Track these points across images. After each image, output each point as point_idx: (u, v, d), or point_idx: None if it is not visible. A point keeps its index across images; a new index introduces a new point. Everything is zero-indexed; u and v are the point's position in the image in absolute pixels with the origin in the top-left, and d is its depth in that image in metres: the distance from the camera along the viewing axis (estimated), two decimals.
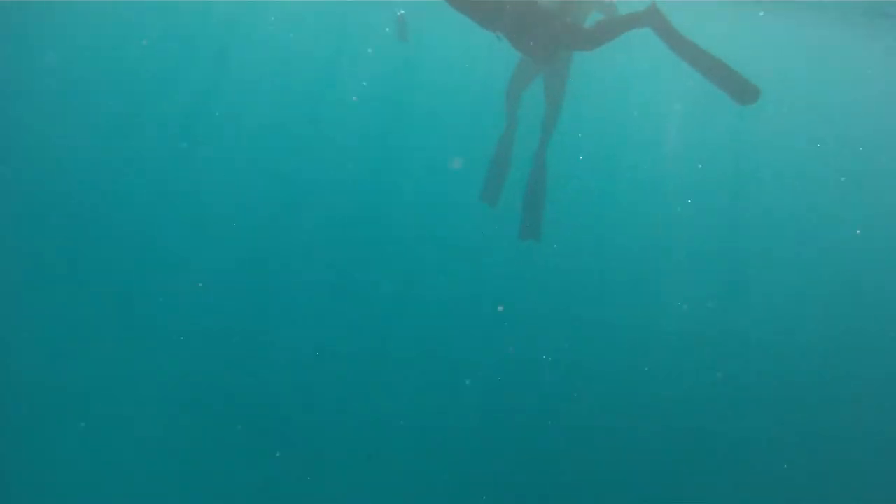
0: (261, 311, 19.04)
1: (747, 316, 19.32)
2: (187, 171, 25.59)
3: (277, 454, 14.67)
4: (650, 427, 15.19)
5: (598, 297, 19.15)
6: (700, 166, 28.25)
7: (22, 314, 17.00)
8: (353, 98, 27.84)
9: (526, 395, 16.20)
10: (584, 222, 21.42)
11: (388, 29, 20.59)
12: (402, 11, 19.82)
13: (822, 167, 26.92)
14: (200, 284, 18.44)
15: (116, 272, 19.30)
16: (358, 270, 20.36)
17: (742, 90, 9.29)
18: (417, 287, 19.74)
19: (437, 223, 22.12)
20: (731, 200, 27.15)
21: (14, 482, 12.95)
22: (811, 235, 24.14)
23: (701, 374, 16.84)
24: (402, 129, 28.14)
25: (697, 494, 14.27)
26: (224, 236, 21.60)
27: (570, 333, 17.28)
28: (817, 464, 15.32)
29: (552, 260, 18.89)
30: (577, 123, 20.50)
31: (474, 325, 18.54)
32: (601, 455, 14.34)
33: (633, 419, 15.36)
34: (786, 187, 26.47)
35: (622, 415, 15.45)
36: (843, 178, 25.03)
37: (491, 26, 8.54)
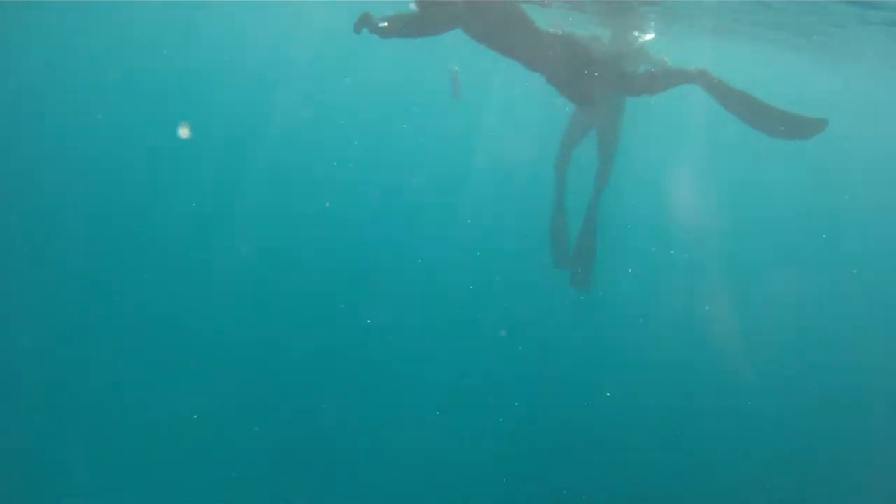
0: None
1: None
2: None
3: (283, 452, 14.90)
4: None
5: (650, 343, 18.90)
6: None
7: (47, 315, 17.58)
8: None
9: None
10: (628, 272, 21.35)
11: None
12: (457, 68, 20.36)
13: None
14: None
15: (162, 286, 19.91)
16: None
17: (803, 126, 9.27)
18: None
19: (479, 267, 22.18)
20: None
21: (17, 481, 12.96)
22: None
23: None
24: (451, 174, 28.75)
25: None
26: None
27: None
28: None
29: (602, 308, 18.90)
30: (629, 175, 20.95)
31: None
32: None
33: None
34: None
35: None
36: None
37: (539, 68, 8.76)
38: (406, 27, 7.48)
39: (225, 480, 13.84)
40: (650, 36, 13.04)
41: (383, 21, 7.34)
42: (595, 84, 9.49)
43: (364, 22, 7.35)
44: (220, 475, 13.93)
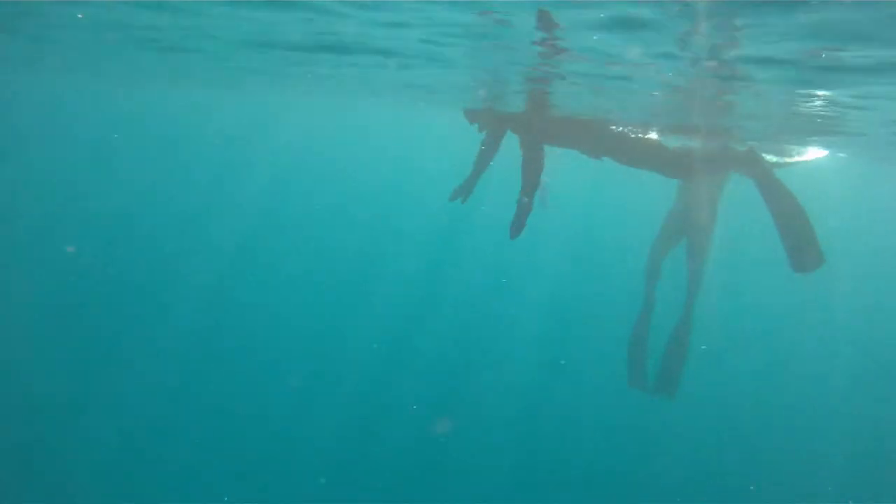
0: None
1: None
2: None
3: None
4: None
5: None
6: None
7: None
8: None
9: None
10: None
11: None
12: (547, 179, 20.97)
13: None
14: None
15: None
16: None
17: (807, 256, 8.98)
18: None
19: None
20: None
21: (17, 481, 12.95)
22: None
23: None
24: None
25: None
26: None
27: None
28: None
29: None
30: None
31: None
32: None
33: None
34: None
35: None
36: None
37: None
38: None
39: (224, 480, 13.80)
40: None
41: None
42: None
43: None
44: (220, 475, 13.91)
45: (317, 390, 17.35)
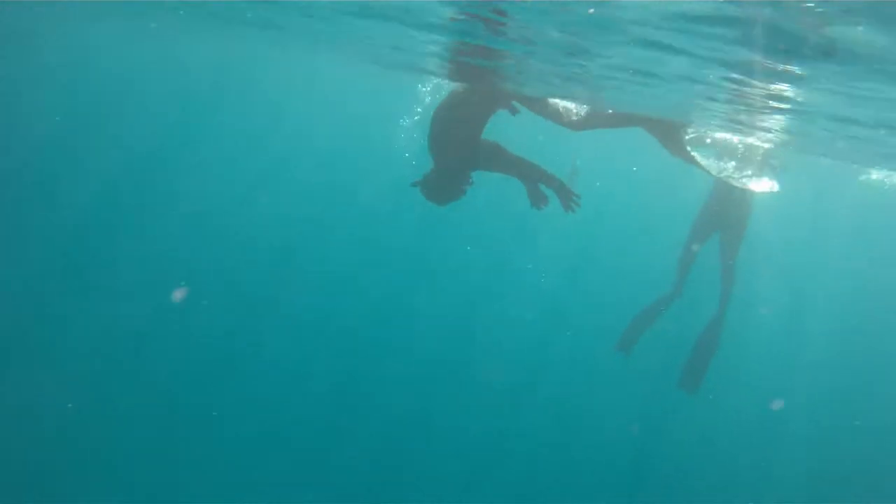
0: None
1: None
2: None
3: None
4: None
5: None
6: None
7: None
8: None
9: None
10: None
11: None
12: (578, 161, 20.90)
13: None
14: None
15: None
16: None
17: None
18: None
19: None
20: None
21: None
22: None
23: None
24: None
25: None
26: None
27: None
28: None
29: None
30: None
31: None
32: None
33: None
34: None
35: None
36: None
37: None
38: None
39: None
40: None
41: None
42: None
43: None
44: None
45: (318, 390, 17.41)
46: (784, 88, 6.59)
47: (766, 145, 11.98)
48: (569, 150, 23.76)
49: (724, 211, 11.07)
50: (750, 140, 11.79)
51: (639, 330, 11.91)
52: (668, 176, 20.80)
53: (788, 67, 5.47)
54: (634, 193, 30.07)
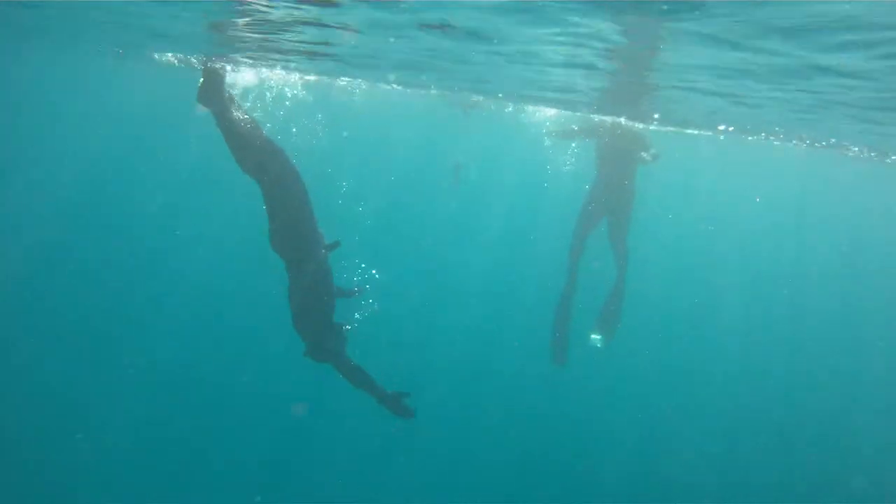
0: None
1: None
2: None
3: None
4: None
5: None
6: None
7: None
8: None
9: None
10: None
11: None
12: (460, 160, 21.51)
13: None
14: None
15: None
16: None
17: None
18: None
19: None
20: None
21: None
22: None
23: None
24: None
25: None
26: None
27: None
28: None
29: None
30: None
31: None
32: None
33: None
34: None
35: None
36: None
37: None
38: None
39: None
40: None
41: None
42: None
43: None
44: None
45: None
46: None
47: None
48: (451, 148, 24.23)
49: (610, 196, 11.54)
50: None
51: (561, 336, 12.08)
52: (548, 169, 21.47)
53: None
54: (519, 187, 30.51)
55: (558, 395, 17.59)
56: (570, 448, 16.31)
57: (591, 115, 12.44)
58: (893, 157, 13.10)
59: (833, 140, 12.02)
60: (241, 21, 7.49)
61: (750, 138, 13.75)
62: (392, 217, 26.11)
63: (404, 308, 20.36)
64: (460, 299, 23.85)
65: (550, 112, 14.11)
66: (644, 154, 11.43)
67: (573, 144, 15.63)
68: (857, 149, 12.61)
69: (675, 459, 16.30)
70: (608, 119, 12.29)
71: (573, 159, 16.81)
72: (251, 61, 10.67)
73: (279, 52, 9.61)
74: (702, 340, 24.92)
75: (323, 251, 6.90)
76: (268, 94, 12.46)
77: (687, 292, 27.87)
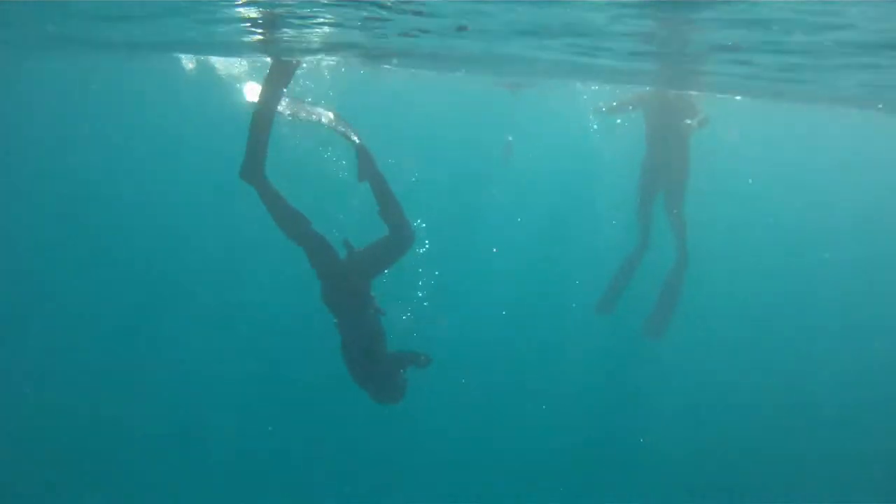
0: None
1: None
2: None
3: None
4: None
5: None
6: None
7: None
8: None
9: None
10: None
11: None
12: (511, 138, 21.53)
13: None
14: None
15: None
16: None
17: None
18: None
19: None
20: None
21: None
22: None
23: None
24: None
25: None
26: None
27: None
28: None
29: None
30: None
31: None
32: None
33: None
34: None
35: None
36: None
37: None
38: None
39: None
40: None
41: None
42: None
43: None
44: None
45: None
46: None
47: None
48: (501, 128, 24.05)
49: (662, 167, 11.59)
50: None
51: (618, 289, 12.30)
52: (601, 142, 21.23)
53: None
54: (575, 162, 29.84)
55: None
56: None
57: (641, 88, 12.47)
58: None
59: None
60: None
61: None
62: (450, 203, 25.77)
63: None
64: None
65: (597, 88, 14.20)
66: (692, 121, 11.42)
67: (620, 120, 15.67)
68: None
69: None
70: (656, 90, 12.30)
71: (625, 134, 16.77)
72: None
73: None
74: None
75: (372, 311, 7.13)
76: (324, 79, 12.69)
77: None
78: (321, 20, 7.36)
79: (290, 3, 6.64)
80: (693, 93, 12.54)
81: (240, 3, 7.01)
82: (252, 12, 7.48)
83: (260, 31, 8.66)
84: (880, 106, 12.36)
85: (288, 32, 8.45)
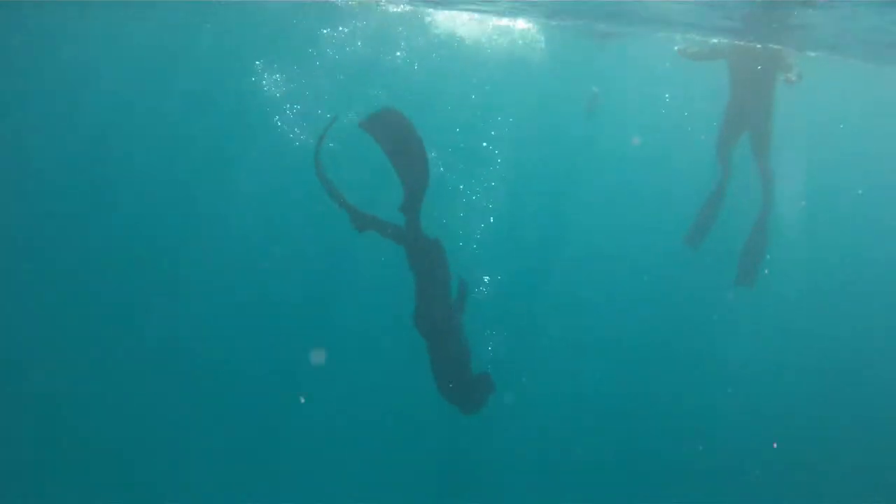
0: None
1: None
2: None
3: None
4: None
5: None
6: None
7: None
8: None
9: None
10: None
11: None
12: (597, 89, 21.33)
13: None
14: None
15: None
16: None
17: None
18: None
19: None
20: None
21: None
22: None
23: None
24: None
25: None
26: None
27: None
28: None
29: None
30: None
31: None
32: None
33: None
34: None
35: None
36: None
37: None
38: None
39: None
40: None
41: None
42: None
43: None
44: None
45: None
46: None
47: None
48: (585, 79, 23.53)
49: (745, 112, 11.61)
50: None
51: (706, 224, 12.44)
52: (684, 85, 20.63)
53: None
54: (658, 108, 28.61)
55: None
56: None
57: (729, 41, 12.41)
58: None
59: None
60: None
61: None
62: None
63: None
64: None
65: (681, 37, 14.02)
66: (787, 75, 11.32)
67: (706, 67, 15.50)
68: None
69: None
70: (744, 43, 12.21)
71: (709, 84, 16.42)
72: None
73: None
74: None
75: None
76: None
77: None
78: None
79: None
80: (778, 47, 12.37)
81: None
82: None
83: None
84: None
85: None
